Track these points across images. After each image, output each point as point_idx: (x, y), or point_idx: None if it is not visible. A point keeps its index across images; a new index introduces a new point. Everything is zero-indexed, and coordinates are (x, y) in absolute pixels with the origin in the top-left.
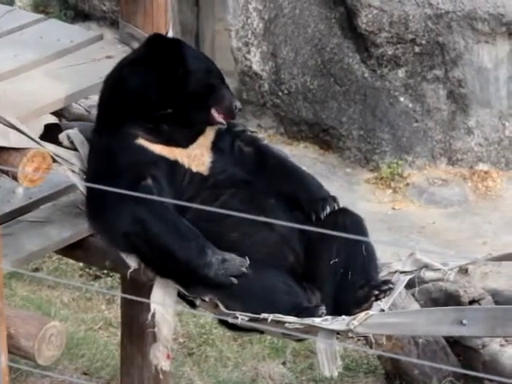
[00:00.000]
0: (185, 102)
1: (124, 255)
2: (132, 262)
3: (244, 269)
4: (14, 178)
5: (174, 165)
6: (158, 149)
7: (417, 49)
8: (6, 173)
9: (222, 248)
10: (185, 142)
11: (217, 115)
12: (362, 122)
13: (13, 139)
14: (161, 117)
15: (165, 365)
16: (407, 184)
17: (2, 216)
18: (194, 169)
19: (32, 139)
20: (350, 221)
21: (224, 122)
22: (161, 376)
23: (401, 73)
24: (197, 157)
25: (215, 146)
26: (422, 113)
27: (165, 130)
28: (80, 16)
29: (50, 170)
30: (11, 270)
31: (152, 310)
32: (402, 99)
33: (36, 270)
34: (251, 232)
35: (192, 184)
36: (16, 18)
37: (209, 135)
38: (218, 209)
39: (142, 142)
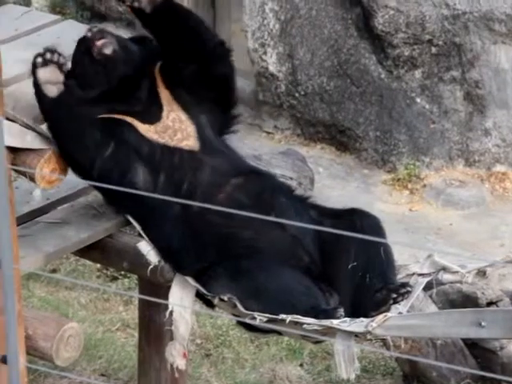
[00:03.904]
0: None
1: (144, 252)
2: (152, 259)
3: None
4: (32, 179)
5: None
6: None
7: (433, 50)
8: (24, 174)
9: (237, 248)
10: (148, 112)
11: (94, 45)
12: (378, 123)
13: (30, 140)
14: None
15: (180, 363)
16: (424, 185)
17: (20, 217)
18: (178, 143)
19: (49, 140)
20: (367, 223)
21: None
22: (176, 375)
23: (417, 74)
24: (174, 124)
25: (189, 102)
26: (438, 114)
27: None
28: (97, 17)
29: (67, 172)
30: (29, 271)
31: (170, 308)
32: (418, 100)
33: (54, 271)
34: (263, 231)
35: (184, 164)
36: (33, 19)
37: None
38: (225, 203)
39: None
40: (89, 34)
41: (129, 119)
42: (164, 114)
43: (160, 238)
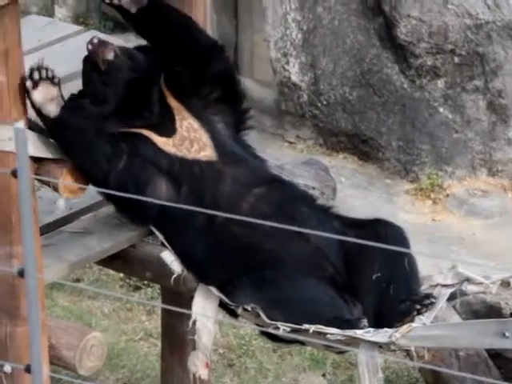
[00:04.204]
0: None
1: (168, 261)
2: (175, 268)
3: None
4: (55, 189)
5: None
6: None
7: (456, 59)
8: (47, 184)
9: (261, 258)
10: (163, 124)
11: (97, 56)
12: (401, 132)
13: (53, 150)
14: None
15: (203, 373)
16: (447, 195)
17: (43, 227)
18: (196, 155)
19: None
20: (391, 233)
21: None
22: None
23: (440, 83)
24: (189, 134)
25: (198, 107)
26: (461, 123)
27: (138, 124)
28: (119, 27)
29: None
30: (52, 281)
31: (193, 318)
32: (441, 110)
33: (77, 280)
34: (287, 241)
35: (205, 175)
36: (56, 30)
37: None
38: (248, 213)
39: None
40: (90, 47)
41: (146, 133)
42: (177, 124)
43: (184, 249)
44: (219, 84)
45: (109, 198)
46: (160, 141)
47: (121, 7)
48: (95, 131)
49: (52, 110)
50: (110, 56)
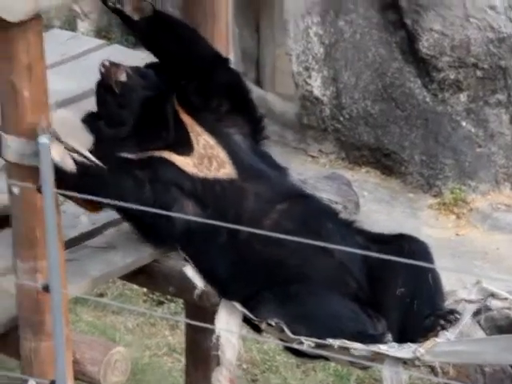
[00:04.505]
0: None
1: (191, 276)
2: (199, 283)
3: None
4: (78, 203)
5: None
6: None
7: (479, 73)
8: (70, 198)
9: (285, 274)
10: (180, 143)
11: (111, 79)
12: (424, 146)
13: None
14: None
15: None
16: (471, 209)
17: (67, 242)
18: (216, 173)
19: (96, 165)
20: (415, 248)
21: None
22: None
23: (463, 97)
24: (207, 151)
25: (211, 121)
26: (484, 138)
27: (157, 147)
28: None
29: None
30: (76, 296)
31: (216, 333)
32: (464, 124)
33: (100, 295)
34: (311, 257)
35: (227, 194)
36: (79, 44)
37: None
38: (271, 230)
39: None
40: (102, 70)
41: (166, 154)
42: (193, 141)
43: (207, 266)
44: (227, 95)
45: (130, 220)
46: (180, 160)
47: (122, 13)
48: (115, 169)
49: (69, 164)
50: (123, 77)
